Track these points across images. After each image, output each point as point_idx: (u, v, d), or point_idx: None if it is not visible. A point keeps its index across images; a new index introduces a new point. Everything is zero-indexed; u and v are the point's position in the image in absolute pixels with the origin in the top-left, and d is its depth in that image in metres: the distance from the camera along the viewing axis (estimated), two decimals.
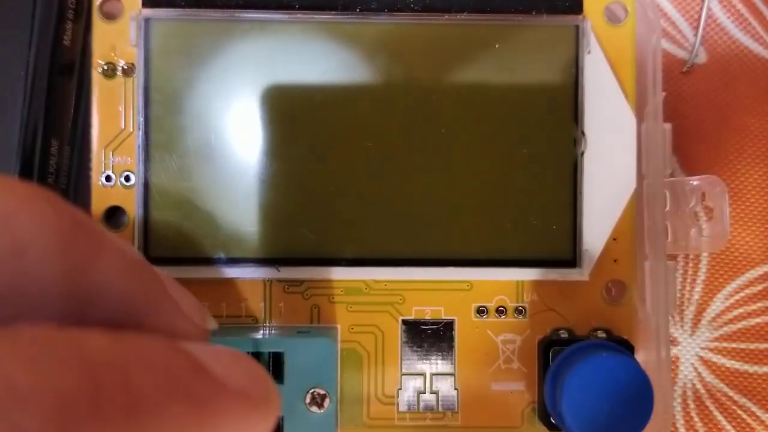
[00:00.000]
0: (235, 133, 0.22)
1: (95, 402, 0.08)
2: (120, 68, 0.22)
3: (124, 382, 0.09)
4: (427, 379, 0.23)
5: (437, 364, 0.23)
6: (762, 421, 0.25)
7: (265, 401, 0.11)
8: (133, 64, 0.22)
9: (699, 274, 0.25)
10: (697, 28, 0.25)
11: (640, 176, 0.23)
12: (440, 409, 0.23)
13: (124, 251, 0.11)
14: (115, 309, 0.11)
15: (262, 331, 0.22)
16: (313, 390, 0.20)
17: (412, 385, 0.23)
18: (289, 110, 0.22)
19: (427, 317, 0.23)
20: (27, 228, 0.10)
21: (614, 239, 0.23)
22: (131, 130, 0.22)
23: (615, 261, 0.23)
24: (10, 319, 0.09)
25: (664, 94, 0.23)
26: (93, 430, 0.08)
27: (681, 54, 0.26)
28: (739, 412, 0.25)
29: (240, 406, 0.10)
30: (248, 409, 0.10)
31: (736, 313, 0.25)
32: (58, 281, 0.10)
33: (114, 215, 0.22)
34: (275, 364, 0.21)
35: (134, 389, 0.09)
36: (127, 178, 0.22)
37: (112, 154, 0.22)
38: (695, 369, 0.25)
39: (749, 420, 0.25)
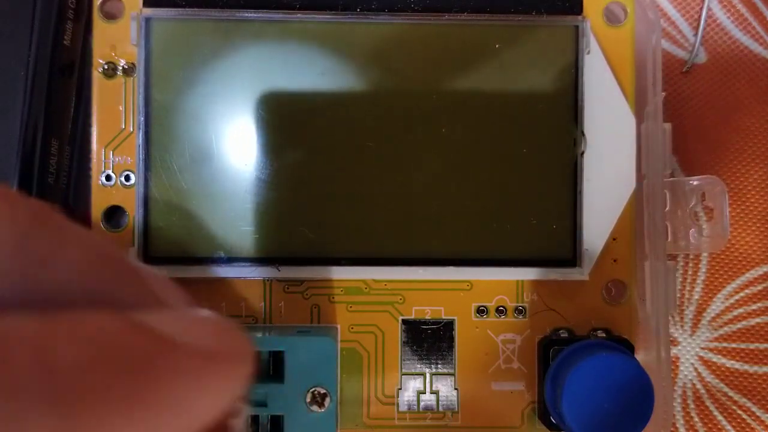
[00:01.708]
0: (236, 133, 0.22)
1: (8, 382, 0.08)
2: (120, 68, 0.22)
3: (41, 360, 0.08)
4: (427, 379, 0.23)
5: (437, 364, 0.23)
6: (762, 421, 0.25)
7: (230, 357, 0.10)
8: (133, 64, 0.22)
9: (699, 274, 0.25)
10: (697, 28, 0.25)
11: (640, 176, 0.23)
12: (440, 409, 0.23)
13: (90, 244, 0.11)
14: (84, 303, 0.10)
15: (262, 331, 0.22)
16: (313, 389, 0.20)
17: (412, 385, 0.23)
18: (289, 110, 0.22)
19: (427, 317, 0.23)
20: None
21: (614, 239, 0.23)
22: (131, 130, 0.22)
23: (615, 261, 0.23)
24: None
25: (664, 94, 0.23)
26: (10, 410, 0.08)
27: (681, 54, 0.26)
28: (739, 412, 0.25)
29: (196, 364, 0.10)
30: (207, 367, 0.10)
31: (736, 313, 0.25)
32: (15, 278, 0.10)
33: (114, 215, 0.22)
34: (275, 364, 0.21)
35: (53, 364, 0.08)
36: (127, 178, 0.22)
37: (112, 154, 0.22)
38: (695, 369, 0.25)
39: (749, 420, 0.25)
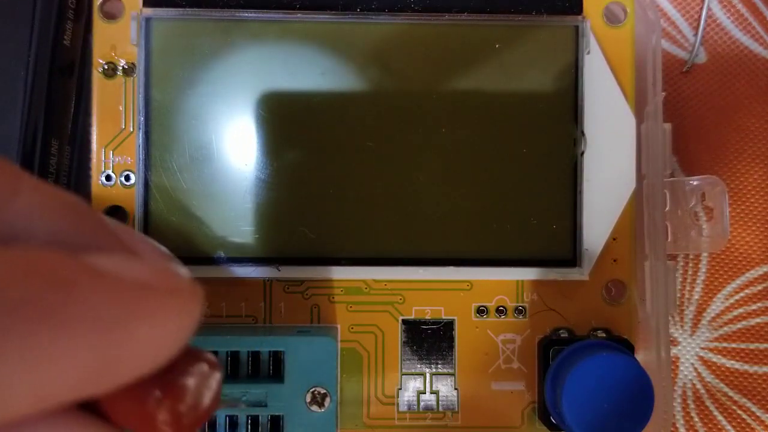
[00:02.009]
0: (236, 133, 0.22)
1: None
2: (120, 68, 0.22)
3: None
4: (427, 379, 0.23)
5: (437, 364, 0.23)
6: (762, 421, 0.25)
7: (161, 292, 0.10)
8: (133, 64, 0.22)
9: (699, 274, 0.25)
10: (697, 28, 0.25)
11: (640, 176, 0.23)
12: (440, 409, 0.23)
13: (50, 192, 0.11)
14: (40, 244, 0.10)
15: (262, 331, 0.22)
16: (313, 389, 0.20)
17: (412, 385, 0.23)
18: (289, 110, 0.22)
19: (427, 317, 0.23)
20: None
21: (614, 239, 0.23)
22: (131, 129, 0.22)
23: (615, 261, 0.23)
24: None
25: (664, 94, 0.23)
26: None
27: (681, 54, 0.26)
28: (739, 412, 0.25)
29: (123, 291, 0.10)
30: (135, 296, 0.10)
31: (736, 313, 0.25)
32: None
33: (114, 215, 0.22)
34: (275, 364, 0.21)
35: None
36: (127, 178, 0.22)
37: (112, 154, 0.22)
38: (695, 369, 0.25)
39: (749, 420, 0.25)
